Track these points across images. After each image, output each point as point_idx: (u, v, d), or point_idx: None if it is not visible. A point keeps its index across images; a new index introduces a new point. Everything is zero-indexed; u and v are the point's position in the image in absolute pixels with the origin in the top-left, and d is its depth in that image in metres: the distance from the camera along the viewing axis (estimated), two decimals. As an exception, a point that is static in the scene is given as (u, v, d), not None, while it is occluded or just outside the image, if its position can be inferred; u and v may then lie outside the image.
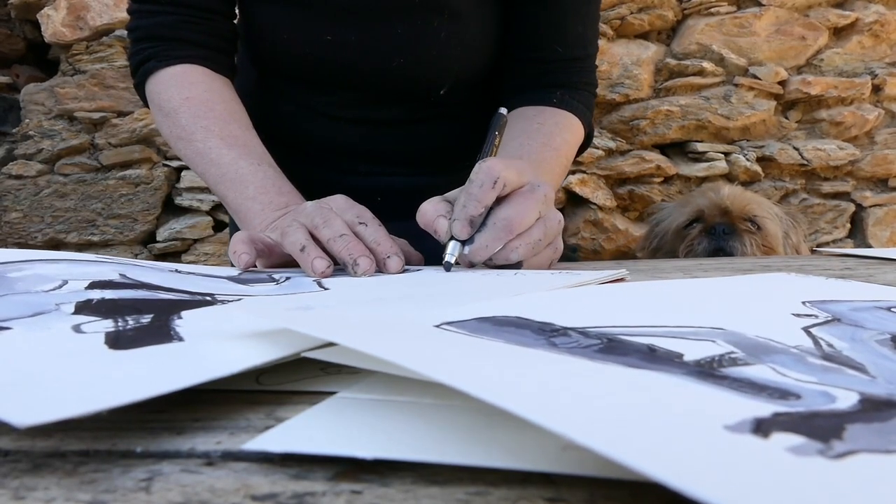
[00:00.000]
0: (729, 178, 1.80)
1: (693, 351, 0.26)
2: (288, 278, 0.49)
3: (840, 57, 1.79)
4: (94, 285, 0.39)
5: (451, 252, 0.53)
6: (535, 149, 0.71)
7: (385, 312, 0.36)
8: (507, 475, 0.18)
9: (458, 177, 0.83)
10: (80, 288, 0.38)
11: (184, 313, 0.34)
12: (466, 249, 0.52)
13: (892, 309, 0.36)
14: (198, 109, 0.68)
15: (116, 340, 0.29)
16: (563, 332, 0.29)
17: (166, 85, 0.71)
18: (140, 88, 0.75)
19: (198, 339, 0.29)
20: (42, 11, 1.75)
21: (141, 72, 0.73)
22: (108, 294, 0.37)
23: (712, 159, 1.78)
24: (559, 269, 0.57)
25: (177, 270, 0.48)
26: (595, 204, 1.79)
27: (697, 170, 1.78)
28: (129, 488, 0.18)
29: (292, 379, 0.26)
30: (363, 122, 0.79)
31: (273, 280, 0.49)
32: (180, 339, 0.29)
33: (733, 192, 1.42)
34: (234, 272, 0.51)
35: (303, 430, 0.21)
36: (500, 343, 0.27)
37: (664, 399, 0.21)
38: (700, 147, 1.79)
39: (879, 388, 0.23)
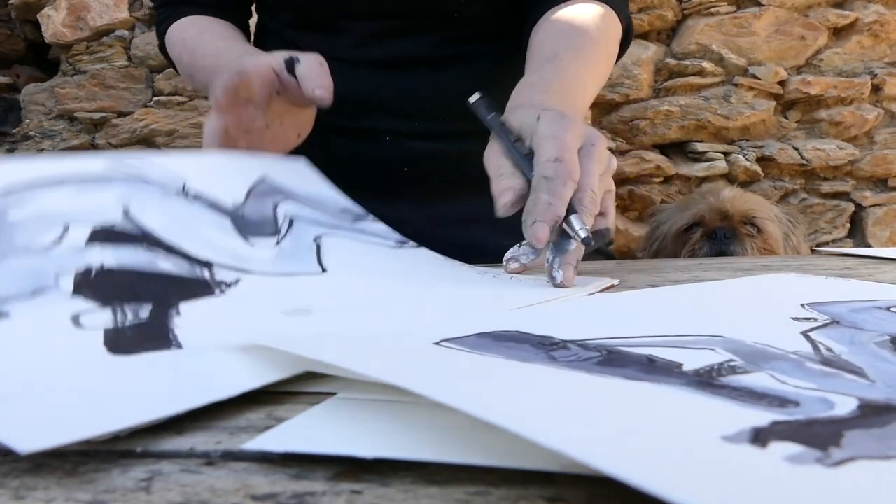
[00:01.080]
0: (729, 178, 1.80)
1: (692, 360, 0.26)
2: (291, 224, 0.48)
3: (839, 57, 1.79)
4: (95, 237, 0.38)
5: (526, 258, 0.51)
6: (571, 55, 0.64)
7: (386, 324, 0.36)
8: (507, 475, 0.18)
9: (483, 147, 0.79)
10: (80, 243, 0.37)
11: (182, 307, 0.34)
12: (557, 268, 0.48)
13: (891, 308, 0.36)
14: (193, 45, 0.73)
15: (115, 343, 0.28)
16: (563, 345, 0.29)
17: (173, 39, 0.75)
18: (164, 51, 0.79)
19: (197, 351, 0.29)
20: (42, 12, 1.75)
21: (159, 34, 0.78)
22: (108, 257, 0.36)
23: (712, 159, 1.78)
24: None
25: (184, 189, 0.45)
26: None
27: (697, 170, 1.78)
28: (129, 488, 0.18)
29: (292, 379, 0.26)
30: (384, 65, 0.75)
31: (275, 232, 0.47)
32: (178, 346, 0.29)
33: (733, 195, 1.42)
34: (239, 195, 0.48)
35: (303, 430, 0.21)
36: (499, 359, 0.27)
37: (663, 412, 0.21)
38: (700, 147, 1.79)
39: (878, 392, 0.23)
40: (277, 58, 0.58)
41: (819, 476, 0.16)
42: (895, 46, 1.80)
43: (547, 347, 0.28)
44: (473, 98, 0.57)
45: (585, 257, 0.64)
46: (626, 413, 0.20)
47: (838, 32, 1.80)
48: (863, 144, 1.84)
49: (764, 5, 1.75)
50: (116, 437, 0.21)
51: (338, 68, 0.75)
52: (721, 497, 0.14)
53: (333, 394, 0.24)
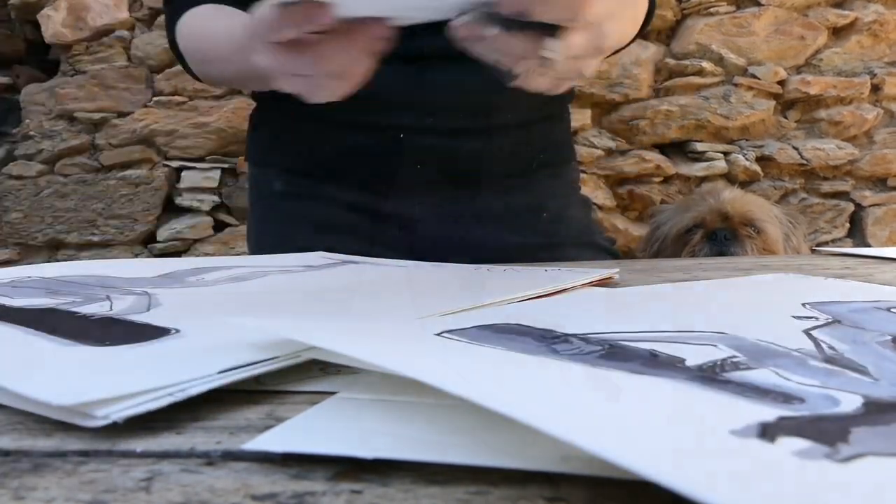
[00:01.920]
0: (728, 177, 1.80)
1: (695, 356, 0.26)
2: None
3: (839, 56, 1.79)
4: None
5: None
6: None
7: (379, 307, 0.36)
8: (508, 475, 0.18)
9: (496, 144, 0.75)
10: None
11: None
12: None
13: (892, 309, 0.36)
14: (198, 33, 0.72)
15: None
16: (565, 338, 0.29)
17: (184, 31, 0.74)
18: (175, 48, 0.77)
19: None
20: (42, 12, 1.75)
21: (169, 31, 0.76)
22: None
23: (712, 159, 1.78)
24: (557, 266, 0.56)
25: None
26: (595, 204, 1.79)
27: (697, 169, 1.78)
28: (129, 488, 0.18)
29: (292, 379, 0.26)
30: (401, 60, 0.69)
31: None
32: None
33: (733, 197, 1.42)
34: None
35: (303, 430, 0.21)
36: (501, 351, 0.27)
37: (669, 405, 0.21)
38: (699, 147, 1.79)
39: (883, 390, 0.23)
40: None
41: (829, 471, 0.16)
42: (894, 46, 1.80)
43: (549, 340, 0.28)
44: None
45: (588, 259, 0.63)
46: (632, 405, 0.20)
47: (838, 32, 1.80)
48: (862, 144, 1.84)
49: (763, 5, 1.75)
50: (116, 437, 0.21)
51: None
52: (732, 490, 0.14)
53: (333, 393, 0.24)
